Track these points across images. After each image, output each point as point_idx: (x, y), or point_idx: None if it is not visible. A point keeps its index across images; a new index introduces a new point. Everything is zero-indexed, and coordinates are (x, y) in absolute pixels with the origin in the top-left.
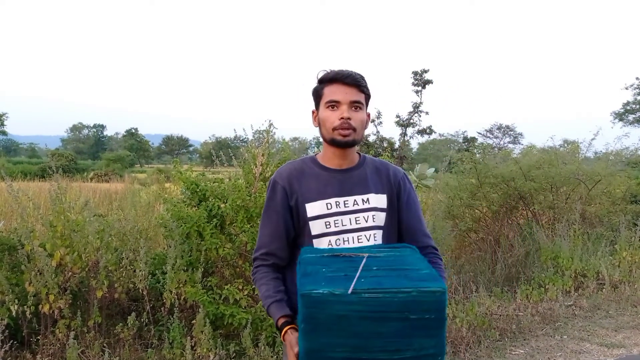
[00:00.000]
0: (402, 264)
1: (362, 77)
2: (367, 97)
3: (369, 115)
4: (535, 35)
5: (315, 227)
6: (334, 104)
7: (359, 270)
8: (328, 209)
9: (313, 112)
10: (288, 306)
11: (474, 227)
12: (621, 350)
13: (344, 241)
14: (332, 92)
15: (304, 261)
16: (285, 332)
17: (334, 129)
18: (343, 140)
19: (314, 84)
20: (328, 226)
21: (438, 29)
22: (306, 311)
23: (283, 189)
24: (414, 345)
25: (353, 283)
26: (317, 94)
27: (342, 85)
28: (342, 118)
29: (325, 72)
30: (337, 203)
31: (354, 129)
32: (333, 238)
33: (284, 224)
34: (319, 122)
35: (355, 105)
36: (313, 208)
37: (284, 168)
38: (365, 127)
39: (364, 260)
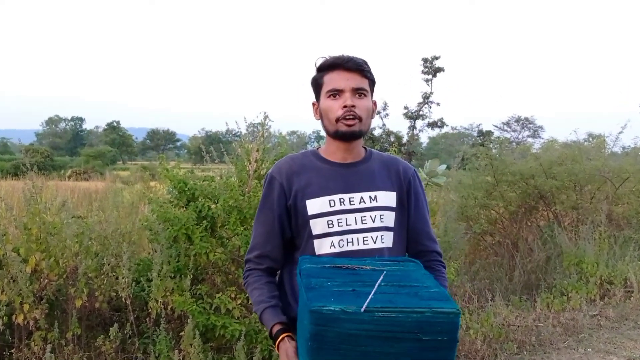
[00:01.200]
0: (410, 280)
1: (365, 62)
2: (372, 82)
3: (374, 103)
4: (557, 20)
5: (317, 227)
6: (335, 93)
7: (375, 288)
8: (331, 206)
9: (313, 104)
10: (283, 313)
11: (490, 229)
12: None
13: (347, 242)
14: (333, 79)
15: (305, 272)
16: (282, 339)
17: (337, 120)
18: (349, 130)
19: (313, 73)
20: (331, 225)
21: (450, 13)
22: (315, 328)
23: (281, 186)
24: None
25: (367, 301)
26: (317, 84)
27: (343, 72)
28: (345, 106)
29: (324, 58)
30: (342, 200)
31: (360, 118)
32: (336, 239)
33: (280, 224)
34: (320, 114)
35: (359, 92)
36: (314, 205)
37: (282, 162)
38: (372, 117)
39: (381, 278)
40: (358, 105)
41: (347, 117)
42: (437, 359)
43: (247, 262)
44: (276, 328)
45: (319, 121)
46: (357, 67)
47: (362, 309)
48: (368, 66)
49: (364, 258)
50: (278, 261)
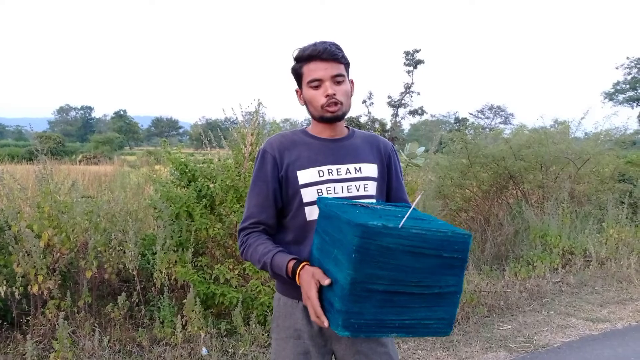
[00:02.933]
0: (420, 216)
1: (338, 47)
2: (347, 65)
3: (352, 82)
4: (527, 15)
5: (307, 195)
6: (316, 83)
7: (407, 214)
8: (320, 176)
9: (297, 91)
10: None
11: (464, 206)
12: (606, 325)
13: None
14: (312, 70)
15: (331, 205)
16: (302, 267)
17: (322, 107)
18: (333, 116)
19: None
20: (320, 193)
21: (430, 9)
22: (360, 241)
23: (273, 158)
24: (441, 282)
25: (403, 220)
26: (297, 74)
27: (320, 62)
28: (327, 95)
29: (300, 49)
30: (330, 171)
31: (341, 102)
32: None
33: (273, 194)
34: (305, 101)
35: (337, 78)
36: (304, 175)
37: (274, 138)
38: (351, 95)
39: (410, 210)
40: (337, 91)
41: (330, 104)
42: (451, 275)
43: (242, 230)
44: (292, 262)
45: (304, 106)
46: (332, 56)
47: (400, 226)
48: (341, 50)
49: (371, 202)
50: (273, 228)
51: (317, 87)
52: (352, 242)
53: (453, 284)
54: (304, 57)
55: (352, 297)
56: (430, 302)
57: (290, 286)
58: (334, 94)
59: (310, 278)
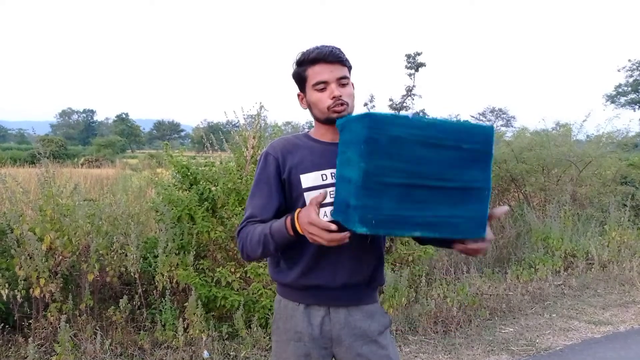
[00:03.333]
0: None
1: (341, 50)
2: (350, 68)
3: (353, 85)
4: (529, 18)
5: (310, 198)
6: (322, 85)
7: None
8: (323, 180)
9: (299, 94)
10: (274, 277)
11: None
12: (608, 328)
13: None
14: (317, 73)
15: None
16: (299, 211)
17: (329, 108)
18: (339, 116)
19: (292, 67)
20: None
21: (431, 12)
22: (367, 132)
23: (275, 160)
24: (464, 177)
25: (412, 113)
26: (300, 77)
27: (326, 64)
28: (334, 97)
29: (303, 53)
30: (333, 174)
31: (347, 104)
32: (329, 209)
33: (277, 196)
34: (308, 105)
35: (342, 81)
36: (308, 179)
37: (277, 141)
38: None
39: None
40: (343, 93)
41: (337, 105)
42: (476, 170)
43: (241, 228)
44: (289, 217)
45: (306, 110)
46: (337, 59)
47: (410, 116)
48: (344, 54)
49: None
50: None
51: (322, 90)
52: (361, 134)
53: (479, 178)
54: (309, 60)
55: (366, 190)
56: (455, 198)
57: (291, 288)
58: (340, 96)
59: (306, 209)
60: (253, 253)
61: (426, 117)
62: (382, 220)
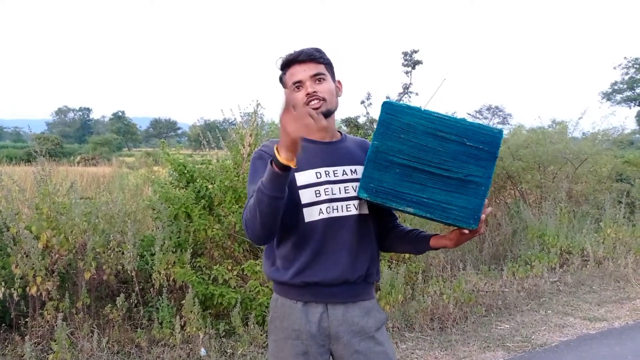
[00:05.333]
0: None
1: (316, 49)
2: (329, 65)
3: (339, 82)
4: (525, 15)
5: (305, 196)
6: (298, 85)
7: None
8: (317, 177)
9: None
10: (270, 277)
11: None
12: (603, 324)
13: (333, 209)
14: (292, 74)
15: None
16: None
17: (305, 105)
18: (316, 112)
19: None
20: (318, 195)
21: (428, 10)
22: (384, 116)
23: (270, 157)
24: (464, 170)
25: (424, 106)
26: (282, 82)
27: (298, 65)
28: (307, 94)
29: (281, 59)
30: (327, 172)
31: (324, 99)
32: (324, 206)
33: None
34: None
35: (317, 77)
36: (302, 176)
37: (269, 142)
38: (339, 95)
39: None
40: (319, 89)
41: (311, 102)
42: (477, 166)
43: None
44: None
45: None
46: (309, 57)
47: (422, 108)
48: (320, 52)
49: None
50: None
51: (299, 89)
52: (380, 118)
53: (478, 174)
54: (284, 64)
55: (373, 163)
56: (451, 187)
57: (288, 286)
58: (315, 92)
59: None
60: (252, 221)
61: (437, 112)
62: (382, 191)
